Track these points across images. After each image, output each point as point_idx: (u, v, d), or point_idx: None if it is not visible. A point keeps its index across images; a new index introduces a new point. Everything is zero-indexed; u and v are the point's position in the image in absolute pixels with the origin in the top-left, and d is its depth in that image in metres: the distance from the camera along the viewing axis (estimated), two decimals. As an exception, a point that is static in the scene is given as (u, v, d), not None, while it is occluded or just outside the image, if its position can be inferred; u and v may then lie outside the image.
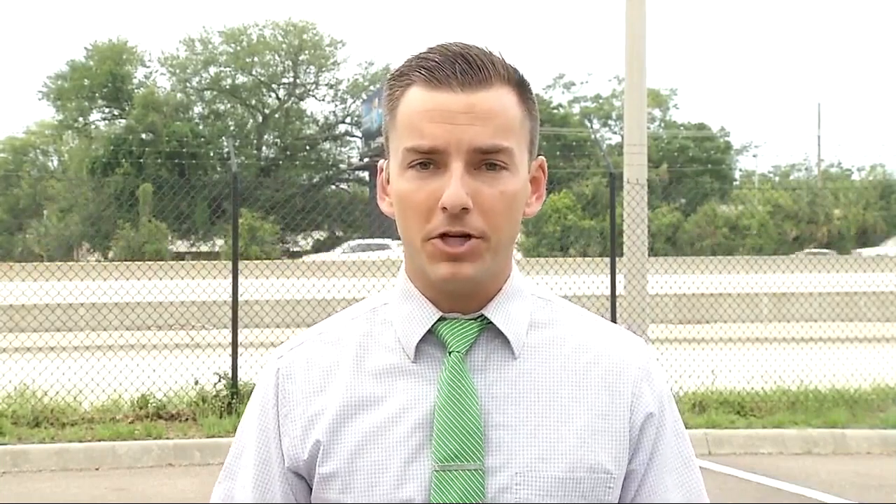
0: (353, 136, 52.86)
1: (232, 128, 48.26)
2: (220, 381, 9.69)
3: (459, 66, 1.25)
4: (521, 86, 1.30)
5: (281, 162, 47.47)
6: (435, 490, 1.21)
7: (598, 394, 1.30)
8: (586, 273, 14.16)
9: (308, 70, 51.55)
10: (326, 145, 52.44)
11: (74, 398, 9.67)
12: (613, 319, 10.73)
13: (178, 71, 50.01)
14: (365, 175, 51.90)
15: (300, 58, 50.99)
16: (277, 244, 41.85)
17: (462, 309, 1.29)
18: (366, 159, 49.67)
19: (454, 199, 1.22)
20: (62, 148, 50.38)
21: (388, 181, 1.34)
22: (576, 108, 62.67)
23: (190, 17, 78.21)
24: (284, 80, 51.38)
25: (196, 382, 9.83)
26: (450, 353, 1.27)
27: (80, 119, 49.86)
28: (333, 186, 52.32)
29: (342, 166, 52.32)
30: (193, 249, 39.79)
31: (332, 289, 13.90)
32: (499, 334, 1.29)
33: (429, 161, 1.24)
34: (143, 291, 14.41)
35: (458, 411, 1.23)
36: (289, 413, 1.29)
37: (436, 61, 1.25)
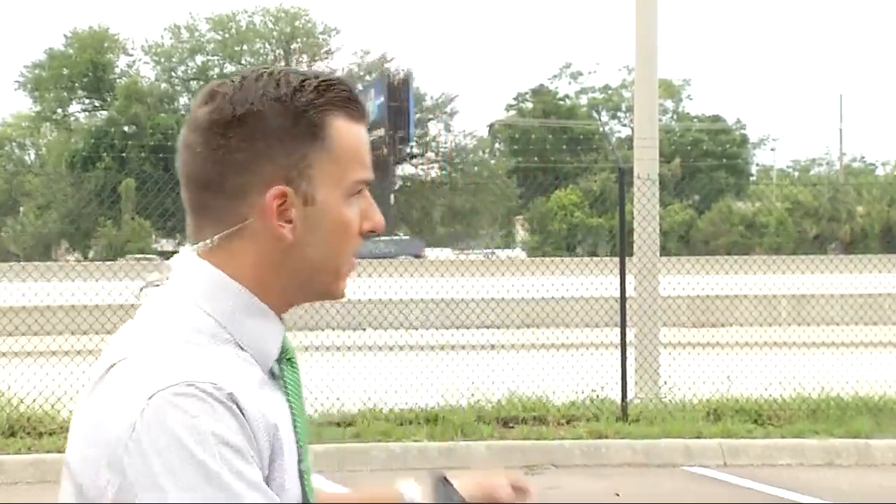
0: (348, 128, 52.91)
1: (220, 120, 48.06)
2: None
3: (362, 102, 1.45)
4: None
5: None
6: (307, 493, 1.38)
7: None
8: (594, 274, 14.17)
9: (300, 59, 51.57)
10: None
11: (52, 406, 9.67)
12: (623, 322, 10.73)
13: (162, 60, 50.02)
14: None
15: (292, 46, 51.03)
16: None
17: None
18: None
19: (383, 222, 1.45)
20: (40, 141, 50.39)
21: (303, 203, 1.39)
22: (583, 100, 62.74)
23: (175, 3, 78.20)
24: (275, 70, 51.33)
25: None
26: (288, 359, 1.42)
27: (59, 110, 49.87)
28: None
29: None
30: (179, 249, 39.64)
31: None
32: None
33: (360, 191, 1.43)
34: (126, 293, 14.40)
35: (302, 415, 1.41)
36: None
37: (348, 91, 1.42)
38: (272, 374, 1.39)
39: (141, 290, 1.48)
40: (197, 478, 1.21)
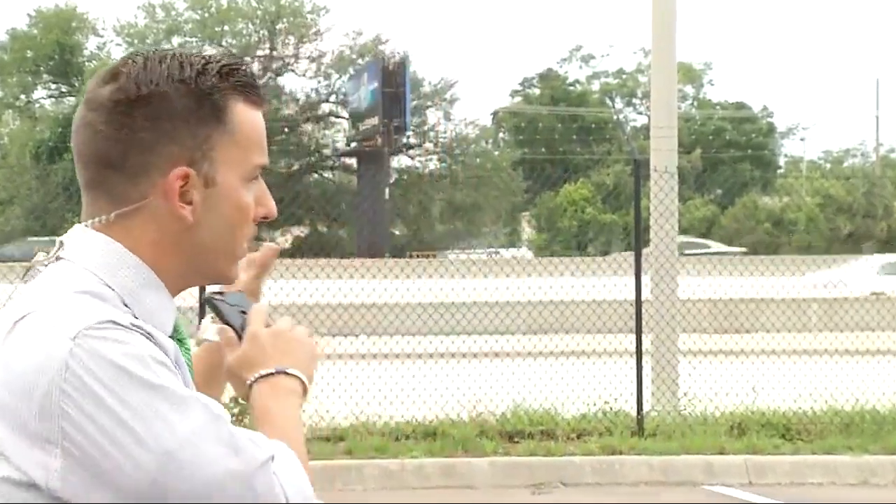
0: (339, 116, 52.89)
1: (198, 107, 48.10)
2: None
3: (261, 88, 1.57)
4: None
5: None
6: None
7: None
8: (607, 274, 14.19)
9: (286, 41, 51.56)
10: (307, 127, 52.44)
11: None
12: (639, 328, 10.75)
13: (136, 41, 49.97)
14: (352, 162, 51.92)
15: (277, 27, 51.00)
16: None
17: None
18: (353, 144, 49.74)
19: (275, 208, 1.58)
20: (2, 130, 50.39)
21: (204, 185, 1.50)
22: (595, 85, 62.74)
23: (150, -20, 78.16)
24: (259, 53, 51.35)
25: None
26: (180, 340, 1.52)
27: (23, 97, 49.88)
28: (316, 175, 52.35)
29: (326, 152, 52.34)
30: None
31: (327, 293, 13.90)
32: None
33: (257, 176, 1.55)
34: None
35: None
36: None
37: (250, 77, 1.54)
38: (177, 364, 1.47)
39: (27, 271, 1.52)
40: (149, 396, 1.32)
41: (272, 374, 1.53)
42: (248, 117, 1.53)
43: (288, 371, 1.54)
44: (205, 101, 1.49)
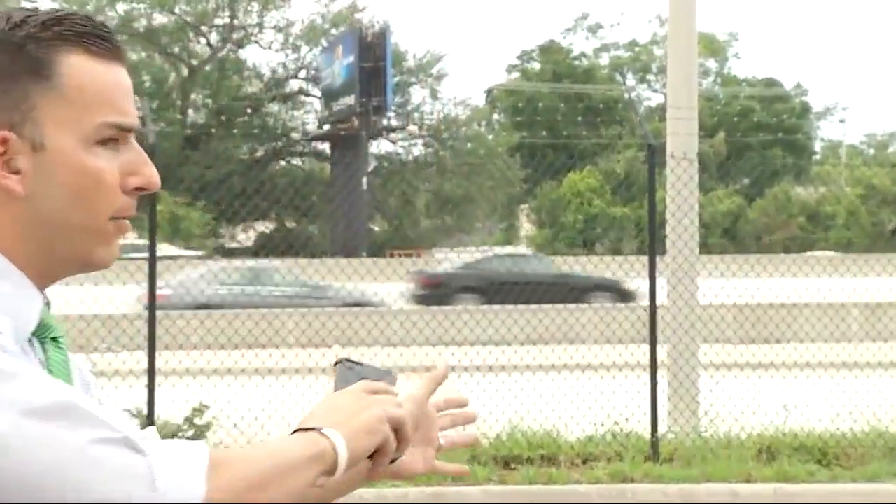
0: (310, 95, 52.93)
1: (148, 84, 48.23)
2: (132, 418, 9.71)
3: (113, 38, 1.54)
4: None
5: (213, 129, 47.49)
6: None
7: None
8: (617, 276, 14.19)
9: (249, 8, 51.53)
10: (274, 107, 52.47)
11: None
12: (653, 337, 10.75)
13: (74, 6, 49.95)
14: (325, 147, 51.95)
15: (239, -9, 50.96)
16: (209, 238, 41.78)
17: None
18: (326, 126, 49.76)
19: (157, 179, 1.55)
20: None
21: (31, 150, 1.49)
22: (604, 59, 62.95)
23: (92, -63, 78.16)
24: (218, 22, 51.33)
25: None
26: (53, 339, 1.53)
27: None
28: (283, 162, 52.40)
29: (295, 135, 52.35)
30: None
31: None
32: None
33: (117, 139, 1.52)
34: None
35: None
36: None
37: (87, 25, 1.51)
38: (24, 351, 1.47)
39: None
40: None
41: (310, 429, 1.49)
42: (84, 70, 1.50)
43: (322, 431, 1.48)
44: (19, 54, 1.48)
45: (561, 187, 50.38)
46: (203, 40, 51.66)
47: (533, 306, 16.36)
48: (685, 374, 11.31)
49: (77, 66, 1.50)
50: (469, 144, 53.66)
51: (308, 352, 14.57)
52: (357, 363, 1.65)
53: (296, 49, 52.39)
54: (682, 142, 11.63)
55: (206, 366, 12.52)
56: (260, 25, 51.58)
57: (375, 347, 15.48)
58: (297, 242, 35.89)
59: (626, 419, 10.81)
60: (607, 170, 52.26)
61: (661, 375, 10.85)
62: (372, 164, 50.83)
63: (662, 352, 11.09)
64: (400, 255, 37.47)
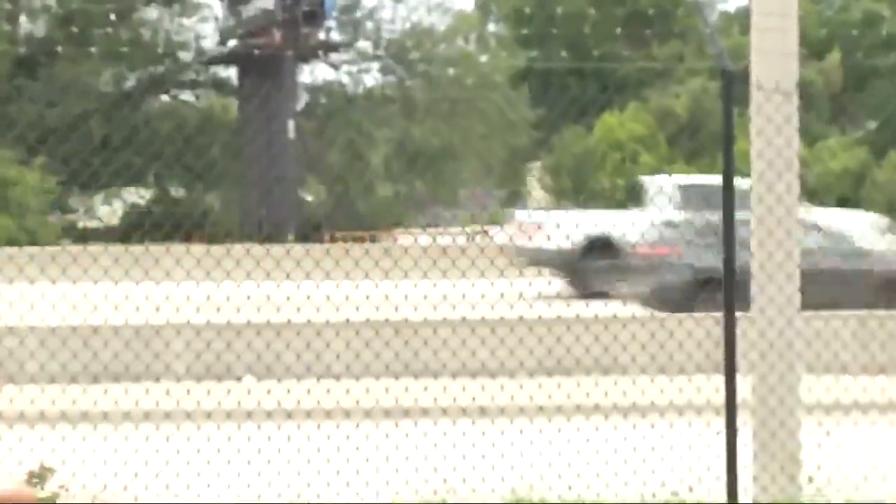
0: (205, -5, 52.71)
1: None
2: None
3: None
4: None
5: (59, 47, 47.30)
6: None
7: None
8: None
9: None
10: (152, 13, 52.29)
11: None
12: (731, 364, 10.80)
13: None
14: (230, 74, 51.80)
15: None
16: (53, 212, 41.30)
17: None
18: (232, 41, 49.66)
19: None
20: None
21: None
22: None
23: None
24: None
25: None
26: None
27: None
28: (166, 97, 52.16)
29: (184, 55, 52.17)
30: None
31: (188, 303, 13.95)
32: None
33: None
34: None
35: None
36: None
37: None
38: None
39: None
40: None
41: None
42: None
43: None
44: None
45: (591, 135, 50.39)
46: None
47: (548, 316, 16.40)
48: (779, 419, 11.36)
49: None
50: (450, 70, 53.65)
51: (205, 386, 14.61)
52: None
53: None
54: (775, 65, 11.65)
55: (51, 408, 12.52)
56: None
57: (288, 380, 15.51)
58: (188, 220, 35.87)
59: (690, 488, 10.88)
60: (661, 108, 52.28)
61: (743, 421, 10.93)
62: (303, 101, 50.81)
63: (745, 385, 11.14)
64: (345, 240, 37.49)
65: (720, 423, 10.75)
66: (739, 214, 11.10)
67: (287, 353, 16.48)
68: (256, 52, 45.93)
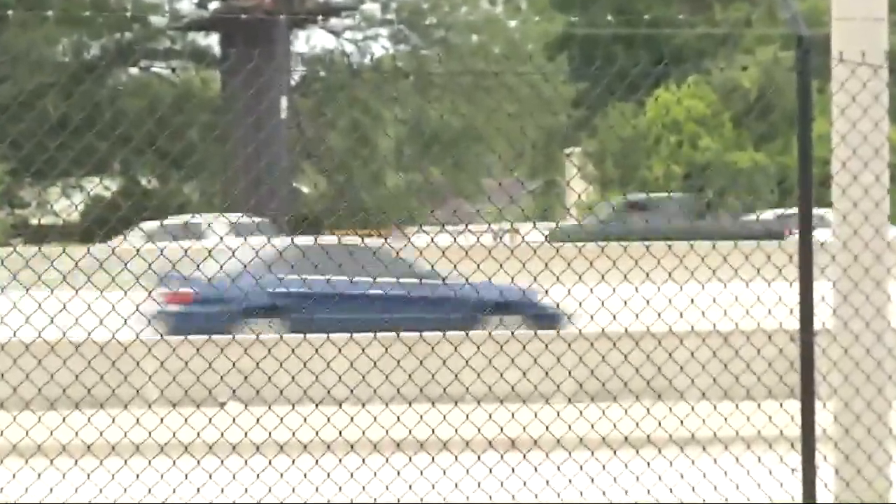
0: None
1: None
2: None
3: None
4: None
5: (10, 10, 47.56)
6: None
7: None
8: (741, 273, 14.26)
9: None
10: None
11: None
12: (808, 383, 10.71)
13: None
14: (212, 42, 52.07)
15: None
16: (1, 207, 41.61)
17: None
18: (214, 3, 49.91)
19: None
20: None
21: None
22: None
23: None
24: None
25: None
26: None
27: None
28: (136, 69, 52.47)
29: (157, 20, 52.46)
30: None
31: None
32: None
33: None
34: None
35: None
36: None
37: None
38: None
39: None
40: None
41: None
42: None
43: None
44: None
45: (642, 114, 50.52)
46: None
47: (586, 328, 16.38)
48: (866, 452, 11.30)
49: None
50: (474, 38, 53.87)
51: (181, 412, 14.59)
52: None
53: None
54: (860, 33, 11.61)
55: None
56: None
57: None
58: (161, 214, 36.03)
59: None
60: (725, 82, 52.40)
61: (824, 456, 10.86)
62: (298, 74, 50.98)
63: (826, 411, 11.07)
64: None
65: (796, 457, 10.71)
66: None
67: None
68: (242, 16, 46.16)
